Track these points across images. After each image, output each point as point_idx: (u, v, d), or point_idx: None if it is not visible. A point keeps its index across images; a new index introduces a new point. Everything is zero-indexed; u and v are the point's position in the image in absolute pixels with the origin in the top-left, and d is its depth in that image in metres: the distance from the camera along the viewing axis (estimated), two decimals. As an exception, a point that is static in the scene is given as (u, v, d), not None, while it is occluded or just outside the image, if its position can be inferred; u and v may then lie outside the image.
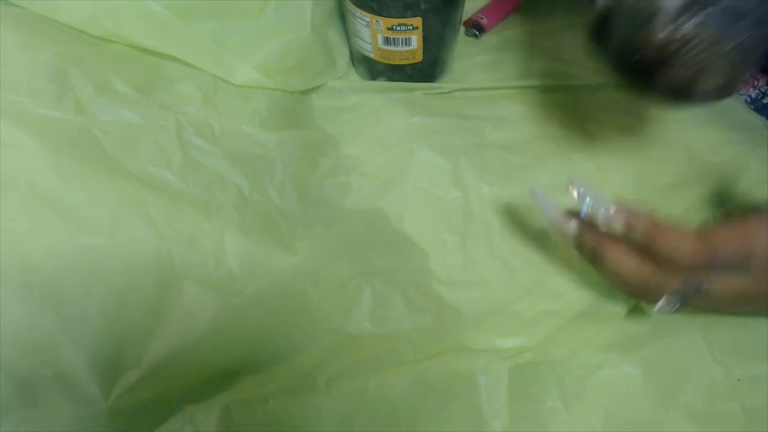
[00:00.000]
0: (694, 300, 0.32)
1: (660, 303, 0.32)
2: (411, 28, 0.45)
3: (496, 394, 0.35)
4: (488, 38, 0.55)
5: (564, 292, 0.40)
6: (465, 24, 0.55)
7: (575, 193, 0.31)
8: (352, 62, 0.52)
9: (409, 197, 0.43)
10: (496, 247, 0.42)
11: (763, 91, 0.49)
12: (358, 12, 0.44)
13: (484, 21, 0.55)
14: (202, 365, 0.34)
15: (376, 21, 0.44)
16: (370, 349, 0.37)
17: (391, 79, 0.50)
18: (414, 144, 0.45)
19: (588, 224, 0.33)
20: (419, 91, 0.49)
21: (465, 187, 0.44)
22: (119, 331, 0.32)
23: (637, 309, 0.37)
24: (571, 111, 0.50)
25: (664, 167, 0.46)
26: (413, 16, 0.44)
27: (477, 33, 0.55)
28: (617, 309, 0.39)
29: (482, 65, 0.53)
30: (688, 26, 0.26)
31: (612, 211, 0.30)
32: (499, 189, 0.44)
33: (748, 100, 0.49)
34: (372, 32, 0.45)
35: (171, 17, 0.39)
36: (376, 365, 0.36)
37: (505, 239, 0.42)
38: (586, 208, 0.31)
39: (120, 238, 0.33)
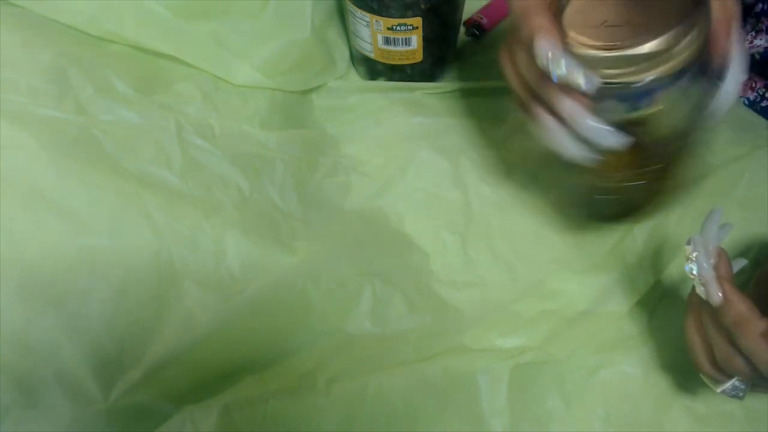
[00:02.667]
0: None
1: (726, 386, 0.30)
2: (411, 28, 0.45)
3: (497, 394, 0.35)
4: (488, 38, 0.55)
5: (564, 292, 0.40)
6: (465, 24, 0.55)
7: (691, 254, 0.29)
8: (352, 62, 0.52)
9: (409, 197, 0.43)
10: (496, 247, 0.42)
11: (761, 94, 0.49)
12: (358, 12, 0.44)
13: (484, 21, 0.55)
14: (202, 365, 0.34)
15: (376, 21, 0.44)
16: (370, 349, 0.37)
17: (391, 79, 0.50)
18: (414, 144, 0.45)
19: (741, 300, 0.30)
20: (419, 91, 0.49)
21: (465, 187, 0.44)
22: (119, 331, 0.32)
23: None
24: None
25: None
26: (413, 16, 0.44)
27: (477, 33, 0.55)
28: (617, 309, 0.39)
29: (482, 65, 0.53)
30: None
31: (714, 287, 0.28)
32: (499, 189, 0.44)
33: (746, 102, 0.49)
34: (372, 32, 0.45)
35: (171, 17, 0.39)
36: (376, 365, 0.36)
37: (505, 239, 0.42)
38: (690, 272, 0.30)
39: (120, 238, 0.33)
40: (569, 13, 0.30)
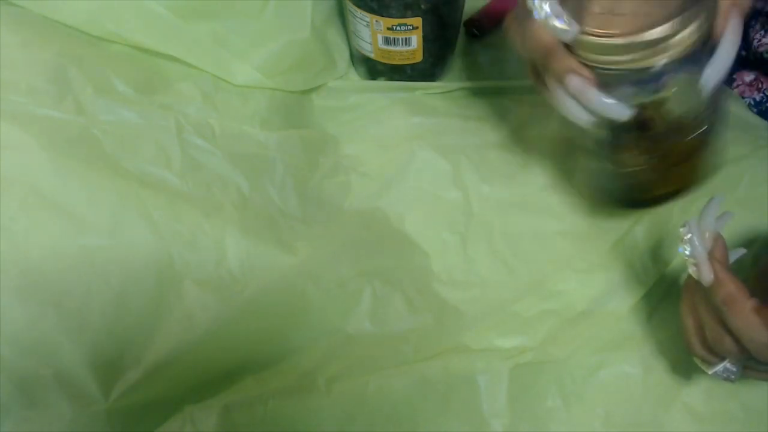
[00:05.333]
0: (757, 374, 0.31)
1: (718, 368, 0.31)
2: (411, 28, 0.45)
3: (497, 394, 0.35)
4: (488, 38, 0.55)
5: (564, 291, 0.40)
6: (465, 24, 0.55)
7: (685, 236, 0.30)
8: (352, 62, 0.52)
9: (409, 197, 0.43)
10: (496, 247, 0.42)
11: (767, 94, 0.49)
12: (358, 12, 0.44)
13: (484, 21, 0.55)
14: (202, 365, 0.34)
15: (376, 21, 0.44)
16: (370, 349, 0.37)
17: (391, 79, 0.50)
18: (414, 144, 0.45)
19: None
20: (419, 91, 0.49)
21: (465, 187, 0.44)
22: (119, 331, 0.32)
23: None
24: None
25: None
26: (413, 16, 0.44)
27: (477, 33, 0.55)
28: (617, 309, 0.39)
29: (482, 65, 0.53)
30: None
31: (705, 266, 0.29)
32: (499, 189, 0.44)
33: (752, 103, 0.49)
34: (372, 32, 0.45)
35: (171, 17, 0.39)
36: (376, 365, 0.36)
37: (505, 239, 0.42)
38: (684, 252, 0.30)
39: (120, 238, 0.33)
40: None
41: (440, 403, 0.35)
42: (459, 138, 0.47)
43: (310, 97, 0.49)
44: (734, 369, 0.30)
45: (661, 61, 0.29)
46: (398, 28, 0.44)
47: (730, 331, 0.28)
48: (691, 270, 0.30)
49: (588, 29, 0.29)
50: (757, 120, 0.48)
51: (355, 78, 0.52)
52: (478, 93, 0.50)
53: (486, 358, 0.36)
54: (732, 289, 0.28)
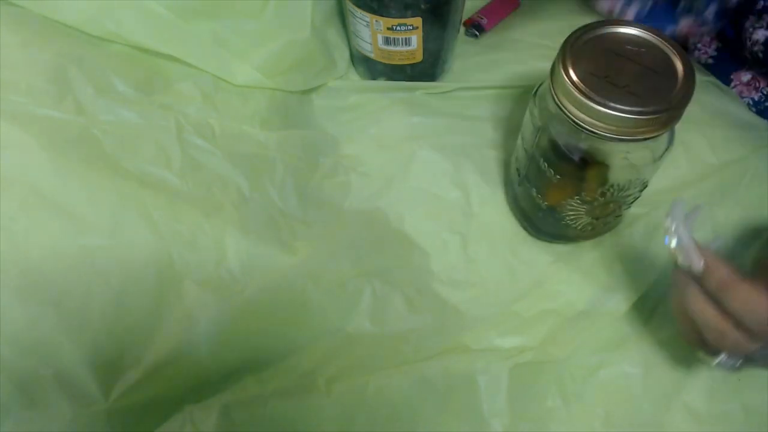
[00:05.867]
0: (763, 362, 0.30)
1: (722, 358, 0.30)
2: (411, 28, 0.45)
3: (496, 394, 0.35)
4: (488, 38, 0.55)
5: (564, 291, 0.40)
6: (465, 24, 0.55)
7: (669, 225, 0.30)
8: (352, 62, 0.52)
9: (409, 197, 0.43)
10: (496, 247, 0.42)
11: (765, 94, 0.49)
12: (358, 12, 0.44)
13: (484, 21, 0.55)
14: (202, 365, 0.34)
15: (376, 21, 0.44)
16: (370, 349, 0.37)
17: (391, 78, 0.50)
18: (414, 144, 0.45)
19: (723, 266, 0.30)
20: (419, 90, 0.49)
21: (465, 187, 0.44)
22: (119, 331, 0.32)
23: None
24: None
25: (662, 169, 0.46)
26: (413, 16, 0.44)
27: (477, 33, 0.55)
28: (617, 308, 0.39)
29: (482, 65, 0.53)
30: None
31: (694, 254, 0.29)
32: (499, 189, 0.44)
33: (751, 103, 0.49)
34: (372, 32, 0.45)
35: (171, 17, 0.39)
36: (376, 365, 0.36)
37: (505, 239, 0.42)
38: (672, 245, 0.30)
39: (120, 238, 0.33)
40: None
41: (440, 403, 0.35)
42: (459, 138, 0.47)
43: (310, 97, 0.49)
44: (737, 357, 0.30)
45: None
46: (398, 28, 0.44)
47: (733, 319, 0.28)
48: (680, 260, 0.29)
49: None
50: (757, 120, 0.48)
51: (355, 78, 0.52)
52: (478, 93, 0.50)
53: (486, 358, 0.36)
54: (724, 272, 0.28)
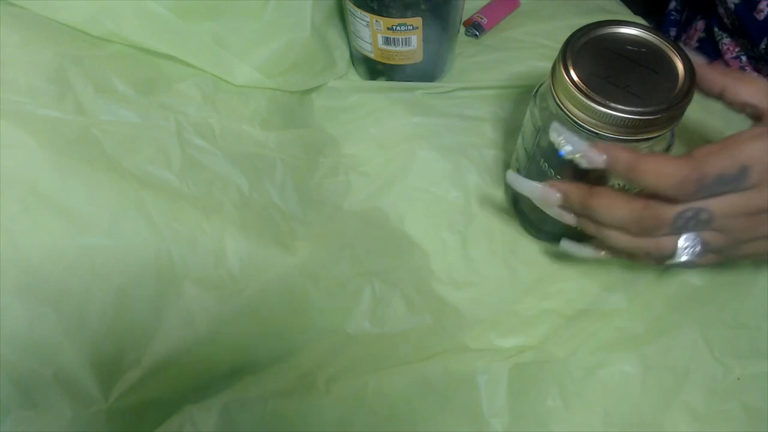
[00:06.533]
0: (704, 235, 0.29)
1: (677, 249, 0.30)
2: (411, 28, 0.45)
3: (496, 393, 0.35)
4: (488, 38, 0.55)
5: (564, 291, 0.40)
6: (465, 24, 0.55)
7: (557, 139, 0.31)
8: (352, 62, 0.52)
9: (409, 197, 0.43)
10: (496, 247, 0.42)
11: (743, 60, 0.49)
12: (358, 12, 0.44)
13: (484, 21, 0.55)
14: (202, 365, 0.34)
15: (376, 21, 0.44)
16: (370, 349, 0.37)
17: (391, 79, 0.50)
18: (414, 144, 0.45)
19: (570, 184, 0.32)
20: (419, 91, 0.49)
21: (465, 187, 0.44)
22: (119, 331, 0.32)
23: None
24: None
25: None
26: (413, 16, 0.44)
27: (477, 33, 0.55)
28: (617, 308, 0.39)
29: (482, 65, 0.53)
30: None
31: (593, 152, 0.29)
32: (499, 189, 0.44)
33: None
34: (372, 32, 0.45)
35: (171, 17, 0.39)
36: (376, 365, 0.36)
37: (505, 239, 0.42)
38: (567, 152, 0.30)
39: (120, 238, 0.33)
40: None
41: (440, 403, 0.35)
42: (459, 138, 0.47)
43: (310, 97, 0.49)
44: (690, 242, 0.30)
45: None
46: (398, 28, 0.44)
47: (648, 196, 0.28)
48: (581, 162, 0.30)
49: None
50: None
51: (355, 78, 0.52)
52: (477, 93, 0.50)
53: (486, 357, 0.36)
54: (626, 154, 0.28)
